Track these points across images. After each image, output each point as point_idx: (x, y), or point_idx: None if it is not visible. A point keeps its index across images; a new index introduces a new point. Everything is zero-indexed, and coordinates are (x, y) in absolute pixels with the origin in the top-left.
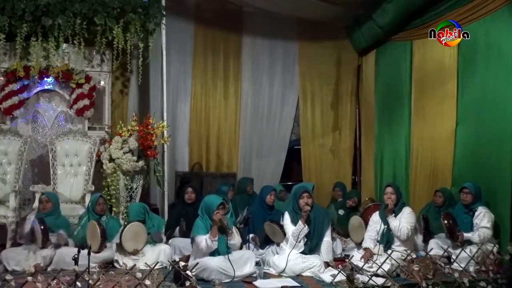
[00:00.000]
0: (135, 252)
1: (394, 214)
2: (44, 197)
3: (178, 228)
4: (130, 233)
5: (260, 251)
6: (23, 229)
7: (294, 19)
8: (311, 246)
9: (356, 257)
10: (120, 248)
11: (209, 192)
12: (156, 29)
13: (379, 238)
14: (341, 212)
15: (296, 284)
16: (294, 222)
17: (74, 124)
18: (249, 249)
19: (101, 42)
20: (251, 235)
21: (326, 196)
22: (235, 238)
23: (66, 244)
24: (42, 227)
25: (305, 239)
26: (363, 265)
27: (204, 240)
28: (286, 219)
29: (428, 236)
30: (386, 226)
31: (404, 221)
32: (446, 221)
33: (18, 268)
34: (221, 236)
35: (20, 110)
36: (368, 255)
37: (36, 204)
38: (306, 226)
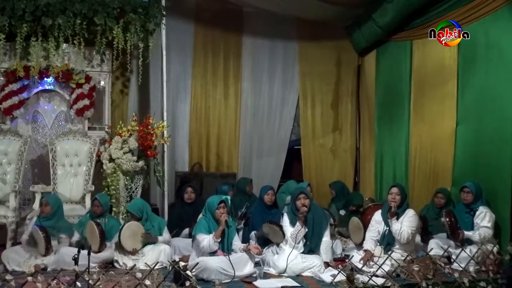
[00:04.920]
0: (134, 252)
1: (396, 217)
2: (44, 200)
3: (188, 229)
4: (128, 232)
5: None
6: (25, 233)
7: (294, 19)
8: (311, 247)
9: (356, 258)
10: (119, 247)
11: (209, 192)
12: (156, 29)
13: (379, 239)
14: (342, 212)
15: (296, 284)
16: (293, 223)
17: (74, 124)
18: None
19: (101, 42)
20: (254, 232)
21: (326, 196)
22: (237, 242)
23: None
24: (44, 234)
25: (304, 240)
26: (362, 267)
27: (206, 239)
28: (285, 221)
29: (426, 236)
30: (387, 228)
31: (406, 224)
32: (447, 219)
33: (18, 268)
34: (224, 237)
35: (20, 110)
36: (367, 257)
37: (36, 204)
38: (304, 227)
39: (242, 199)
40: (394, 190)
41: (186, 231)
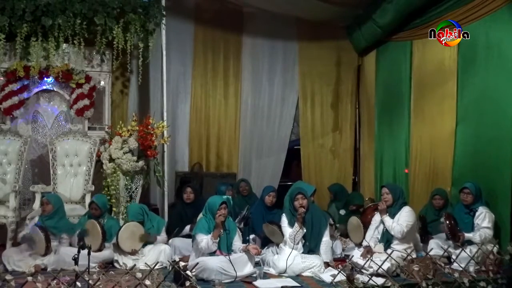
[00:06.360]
0: (134, 252)
1: (387, 214)
2: (45, 199)
3: (189, 226)
4: (127, 233)
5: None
6: (25, 232)
7: (294, 19)
8: (310, 247)
9: (356, 255)
10: (117, 248)
11: (209, 192)
12: (156, 29)
13: (379, 237)
14: (342, 212)
15: (296, 284)
16: (291, 224)
17: (74, 124)
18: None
19: (101, 42)
20: (251, 236)
21: (325, 197)
22: (237, 242)
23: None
24: (43, 234)
25: (303, 241)
26: (364, 264)
27: (204, 240)
28: (284, 221)
29: (425, 236)
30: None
31: (402, 220)
32: (447, 222)
33: (18, 268)
34: (223, 237)
35: (20, 110)
36: (368, 252)
37: (36, 204)
38: (303, 228)
39: (241, 200)
40: (383, 190)
41: (187, 228)
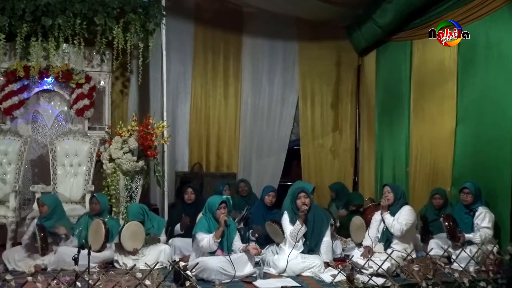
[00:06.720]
0: (135, 252)
1: (389, 212)
2: (40, 201)
3: (179, 224)
4: (128, 232)
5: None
6: (26, 233)
7: (294, 19)
8: (310, 246)
9: (356, 255)
10: (119, 247)
11: (209, 192)
12: (156, 29)
13: (379, 236)
14: (343, 212)
15: (296, 284)
16: (293, 222)
17: (74, 124)
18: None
19: (101, 42)
20: (251, 231)
21: (325, 197)
22: (237, 242)
23: (67, 237)
24: (42, 234)
25: (304, 239)
26: (365, 263)
27: (206, 238)
28: (285, 219)
29: (426, 235)
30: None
31: (401, 218)
32: (446, 223)
33: (18, 268)
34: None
35: (20, 110)
36: (368, 252)
37: (35, 204)
38: (304, 226)
39: (241, 200)
40: (385, 189)
41: (177, 227)
